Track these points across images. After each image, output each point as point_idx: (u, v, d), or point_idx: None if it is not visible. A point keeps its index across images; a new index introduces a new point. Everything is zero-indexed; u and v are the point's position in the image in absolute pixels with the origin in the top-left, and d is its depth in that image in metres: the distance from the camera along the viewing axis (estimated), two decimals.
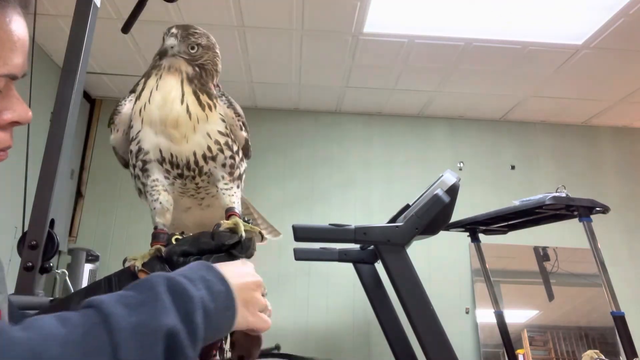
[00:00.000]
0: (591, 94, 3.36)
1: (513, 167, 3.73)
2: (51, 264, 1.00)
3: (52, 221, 1.02)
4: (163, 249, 0.79)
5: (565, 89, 3.30)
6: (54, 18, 2.60)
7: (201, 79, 0.88)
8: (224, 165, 0.88)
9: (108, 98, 3.68)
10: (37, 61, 2.87)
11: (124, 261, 0.82)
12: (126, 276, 0.77)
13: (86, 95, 3.59)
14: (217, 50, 0.93)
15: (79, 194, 3.48)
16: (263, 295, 0.71)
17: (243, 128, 0.93)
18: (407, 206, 2.06)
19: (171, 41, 0.87)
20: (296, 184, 3.61)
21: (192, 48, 0.88)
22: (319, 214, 3.53)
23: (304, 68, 3.13)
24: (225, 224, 0.80)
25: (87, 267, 2.90)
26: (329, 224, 1.88)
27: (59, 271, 1.06)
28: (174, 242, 0.79)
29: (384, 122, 3.79)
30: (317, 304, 3.36)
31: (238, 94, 3.47)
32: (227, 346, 0.83)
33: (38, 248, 0.98)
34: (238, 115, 0.92)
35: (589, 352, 2.54)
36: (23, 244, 0.98)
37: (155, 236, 0.86)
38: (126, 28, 1.32)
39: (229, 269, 0.63)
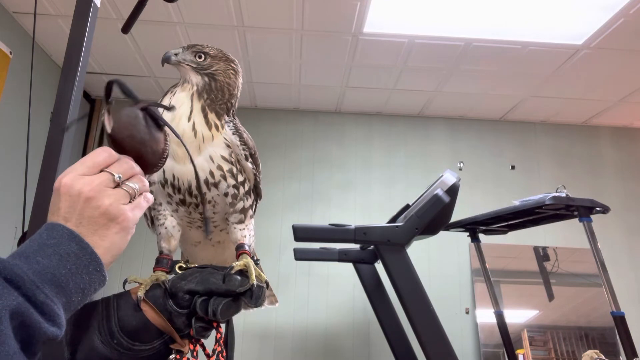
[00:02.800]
0: (591, 94, 3.36)
1: (513, 167, 3.73)
2: None
3: None
4: (167, 277, 0.76)
5: (565, 89, 3.30)
6: (54, 18, 2.60)
7: (211, 92, 0.84)
8: (226, 195, 0.84)
9: None
10: (37, 61, 2.87)
11: (124, 282, 0.80)
12: (126, 300, 0.73)
13: (86, 95, 3.60)
14: (234, 65, 0.88)
15: None
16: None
17: (249, 159, 0.87)
18: (407, 206, 2.06)
19: (176, 50, 0.86)
20: (296, 184, 3.61)
21: (200, 57, 0.87)
22: (319, 214, 3.54)
23: (304, 68, 3.13)
24: (237, 265, 0.76)
25: None
26: (329, 224, 1.88)
27: None
28: (177, 270, 0.77)
29: (384, 122, 3.79)
30: (317, 304, 3.36)
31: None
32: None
33: None
34: (243, 143, 0.86)
35: (589, 352, 2.54)
36: None
37: (159, 261, 0.83)
38: (126, 28, 1.32)
39: (67, 202, 0.57)
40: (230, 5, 2.49)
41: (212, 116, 0.84)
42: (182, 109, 0.83)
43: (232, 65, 0.90)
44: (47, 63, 3.01)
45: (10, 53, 2.57)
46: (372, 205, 3.59)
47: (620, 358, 3.17)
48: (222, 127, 0.85)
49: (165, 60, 0.88)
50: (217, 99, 0.86)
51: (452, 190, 1.79)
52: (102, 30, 2.66)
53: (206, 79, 0.86)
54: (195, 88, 0.85)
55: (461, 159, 3.73)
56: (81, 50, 1.12)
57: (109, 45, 2.88)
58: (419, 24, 2.65)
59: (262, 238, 3.46)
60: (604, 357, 2.45)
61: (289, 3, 2.45)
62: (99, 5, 1.20)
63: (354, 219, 3.46)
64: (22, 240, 0.98)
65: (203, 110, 0.83)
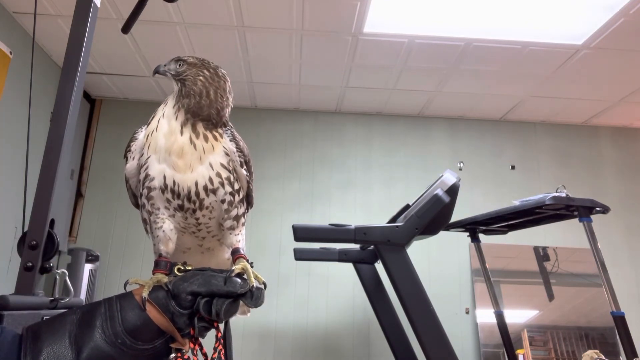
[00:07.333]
0: (591, 94, 3.36)
1: (513, 167, 3.73)
2: (51, 264, 0.99)
3: (52, 221, 1.02)
4: (166, 280, 0.78)
5: (565, 89, 3.30)
6: (54, 18, 2.61)
7: (183, 98, 0.85)
8: (223, 202, 0.86)
9: (108, 98, 3.69)
10: (37, 61, 2.87)
11: (125, 284, 0.81)
12: (129, 301, 0.75)
13: (86, 95, 3.60)
14: (205, 72, 0.87)
15: (79, 194, 3.48)
16: None
17: (244, 166, 0.89)
18: (407, 206, 2.06)
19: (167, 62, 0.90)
20: (296, 184, 3.61)
21: (179, 65, 0.88)
22: (319, 214, 3.54)
23: (304, 68, 3.13)
24: (236, 269, 0.79)
25: (87, 267, 2.90)
26: (329, 224, 1.88)
27: (59, 271, 1.04)
28: (176, 271, 0.79)
29: (384, 122, 3.79)
30: (317, 304, 3.36)
31: (238, 94, 3.47)
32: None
33: (38, 248, 0.97)
34: (240, 150, 0.88)
35: (589, 352, 2.54)
36: (23, 244, 0.98)
37: (158, 264, 0.84)
38: (126, 28, 1.32)
39: None
40: (230, 5, 2.49)
41: (200, 126, 0.84)
42: (172, 122, 0.84)
43: (203, 72, 0.88)
44: (47, 63, 3.01)
45: (10, 53, 2.58)
46: (372, 205, 3.59)
47: (620, 358, 3.17)
48: (222, 136, 0.86)
49: (155, 71, 0.92)
50: (193, 106, 0.85)
51: (452, 190, 1.79)
52: (102, 30, 2.66)
53: (179, 84, 0.88)
54: (178, 99, 0.87)
55: (461, 159, 3.73)
56: (81, 50, 1.12)
57: (109, 45, 2.88)
58: (419, 24, 2.65)
59: (262, 238, 3.46)
60: (604, 357, 2.45)
61: (289, 3, 2.45)
62: (99, 5, 1.20)
63: (354, 219, 3.46)
64: (22, 240, 0.98)
65: (188, 119, 0.84)
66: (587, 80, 3.16)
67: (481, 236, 2.81)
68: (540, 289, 3.42)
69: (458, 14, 2.54)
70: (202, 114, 0.85)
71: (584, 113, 3.67)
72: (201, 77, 0.87)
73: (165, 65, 0.91)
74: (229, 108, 0.90)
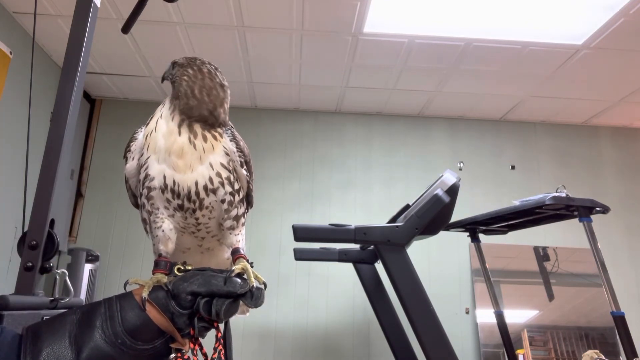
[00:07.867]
0: (591, 94, 3.36)
1: (513, 167, 3.73)
2: (51, 264, 0.99)
3: (52, 221, 1.02)
4: (166, 280, 0.78)
5: (565, 89, 3.30)
6: (54, 18, 2.61)
7: (175, 100, 0.85)
8: (222, 202, 0.86)
9: (108, 98, 3.69)
10: (37, 61, 2.87)
11: (125, 284, 0.81)
12: (129, 301, 0.74)
13: (86, 95, 3.60)
14: (189, 70, 0.86)
15: (79, 194, 3.48)
16: None
17: (244, 166, 0.89)
18: (407, 206, 2.06)
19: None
20: (296, 184, 3.61)
21: (173, 68, 0.89)
22: (319, 214, 3.54)
23: (304, 68, 3.13)
24: (236, 269, 0.79)
25: (87, 267, 2.90)
26: (329, 224, 1.88)
27: (59, 271, 1.04)
28: (176, 272, 0.79)
29: (384, 122, 3.79)
30: (317, 304, 3.36)
31: (238, 94, 3.47)
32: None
33: (38, 248, 0.97)
34: (240, 150, 0.88)
35: (589, 352, 2.54)
36: (23, 244, 0.98)
37: (157, 264, 0.84)
38: (126, 28, 1.33)
39: None
40: (230, 5, 2.49)
41: (197, 126, 0.84)
42: (169, 124, 0.84)
43: (187, 70, 0.87)
44: (47, 63, 3.01)
45: (10, 53, 2.58)
46: (372, 205, 3.59)
47: (620, 358, 3.17)
48: (222, 135, 0.86)
49: (162, 79, 0.94)
50: (183, 107, 0.85)
51: (452, 190, 1.79)
52: (102, 30, 2.66)
53: (173, 86, 0.89)
54: (172, 99, 0.87)
55: (461, 159, 3.73)
56: (81, 50, 1.12)
57: (109, 45, 2.88)
58: (419, 24, 2.65)
59: (262, 238, 3.46)
60: (604, 357, 2.45)
61: (289, 3, 2.45)
62: (99, 5, 1.20)
63: (354, 219, 3.46)
64: (22, 240, 0.98)
65: (184, 120, 0.84)
66: (587, 80, 3.16)
67: (481, 236, 2.81)
68: (540, 289, 3.42)
69: (458, 14, 2.54)
70: (194, 115, 0.84)
71: (584, 113, 3.67)
72: (185, 77, 0.86)
73: (167, 71, 0.92)
74: (226, 107, 0.89)
